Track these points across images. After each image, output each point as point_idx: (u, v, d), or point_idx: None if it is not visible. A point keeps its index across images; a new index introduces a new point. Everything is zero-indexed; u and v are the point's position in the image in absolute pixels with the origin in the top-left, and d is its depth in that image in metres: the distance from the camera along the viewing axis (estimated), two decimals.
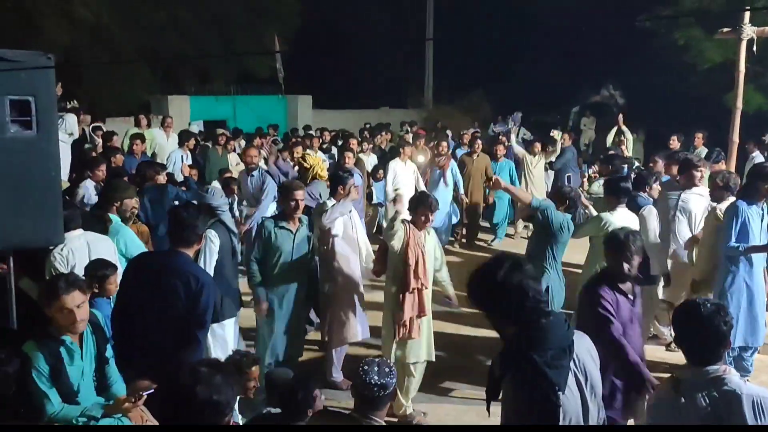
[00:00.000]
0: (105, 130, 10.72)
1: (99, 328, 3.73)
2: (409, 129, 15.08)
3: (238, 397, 2.24)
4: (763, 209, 5.26)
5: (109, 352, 3.78)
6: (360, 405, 3.04)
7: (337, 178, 5.77)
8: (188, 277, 3.81)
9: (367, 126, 15.83)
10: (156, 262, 4.17)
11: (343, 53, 21.80)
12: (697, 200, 5.98)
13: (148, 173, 6.92)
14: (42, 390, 3.34)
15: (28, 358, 3.31)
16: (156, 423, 3.44)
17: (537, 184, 10.38)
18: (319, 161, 7.59)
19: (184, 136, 10.72)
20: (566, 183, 9.47)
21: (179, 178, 8.67)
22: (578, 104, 22.88)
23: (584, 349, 2.61)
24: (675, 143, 10.44)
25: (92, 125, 10.51)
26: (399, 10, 22.84)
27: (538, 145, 10.70)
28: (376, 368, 3.04)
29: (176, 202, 6.70)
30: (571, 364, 2.50)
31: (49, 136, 4.20)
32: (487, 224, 10.71)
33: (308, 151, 9.61)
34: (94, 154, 8.76)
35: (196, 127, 14.08)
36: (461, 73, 23.06)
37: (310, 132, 13.66)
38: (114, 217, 5.35)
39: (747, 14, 7.09)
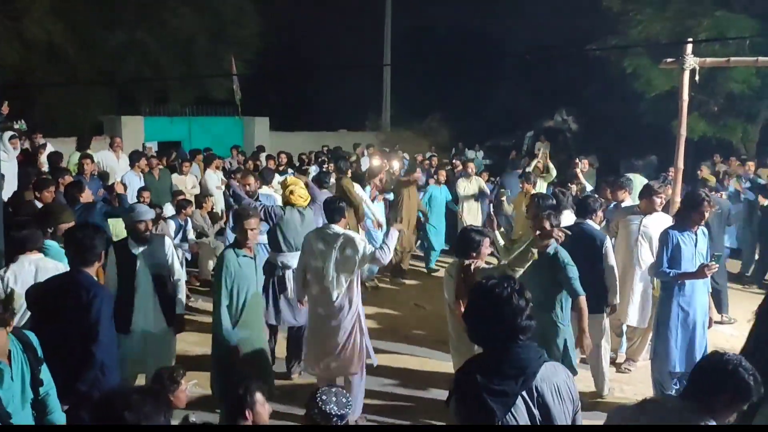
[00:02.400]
0: (50, 150, 10.42)
1: (32, 349, 3.60)
2: (365, 152, 15.11)
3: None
4: (696, 235, 5.36)
5: (46, 378, 3.65)
6: None
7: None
8: (80, 291, 3.84)
9: (325, 149, 15.83)
10: (53, 284, 4.06)
11: (302, 76, 21.87)
12: (658, 225, 6.09)
13: (72, 193, 6.80)
14: None
15: None
16: None
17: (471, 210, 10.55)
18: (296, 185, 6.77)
19: (134, 157, 10.51)
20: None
21: (132, 200, 8.49)
22: (533, 129, 23.38)
23: (552, 382, 2.44)
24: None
25: (51, 152, 10.22)
26: (358, 34, 23.04)
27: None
28: (334, 398, 3.00)
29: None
30: (525, 394, 2.38)
31: None
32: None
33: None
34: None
35: (151, 149, 13.81)
36: (419, 97, 23.38)
37: (268, 154, 13.57)
38: (51, 243, 5.15)
39: (689, 46, 7.35)
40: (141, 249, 5.23)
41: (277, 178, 9.72)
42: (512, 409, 2.36)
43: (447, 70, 23.58)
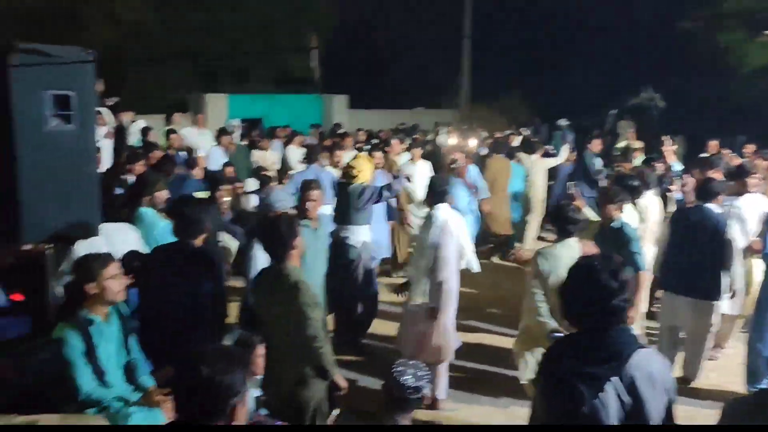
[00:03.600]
0: (140, 126, 10.92)
1: (123, 317, 3.83)
2: (441, 131, 15.01)
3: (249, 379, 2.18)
4: None
5: (134, 346, 3.85)
6: (388, 405, 3.03)
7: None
8: (199, 264, 4.01)
9: (402, 126, 15.81)
10: (171, 254, 4.26)
11: (380, 52, 21.85)
12: (752, 206, 5.83)
13: (163, 167, 7.06)
14: (77, 369, 3.43)
15: (62, 341, 3.39)
16: None
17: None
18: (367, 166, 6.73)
19: (220, 134, 10.84)
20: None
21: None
22: (617, 107, 22.52)
23: (646, 370, 2.33)
24: (713, 148, 10.21)
25: (143, 127, 10.69)
26: (437, 9, 22.76)
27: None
28: (411, 370, 3.02)
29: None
30: (615, 380, 2.30)
31: (88, 130, 4.31)
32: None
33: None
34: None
35: (236, 124, 14.18)
36: (498, 75, 22.88)
37: (344, 131, 13.67)
38: (148, 210, 5.43)
39: None
40: None
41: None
42: (600, 395, 2.30)
43: (528, 45, 22.99)
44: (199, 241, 4.15)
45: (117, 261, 3.67)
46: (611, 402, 2.30)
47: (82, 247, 4.64)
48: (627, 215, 5.50)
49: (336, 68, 20.46)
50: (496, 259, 9.92)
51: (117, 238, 4.80)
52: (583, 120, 22.59)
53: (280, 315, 3.83)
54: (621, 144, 12.18)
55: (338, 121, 16.47)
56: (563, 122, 15.10)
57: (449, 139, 10.58)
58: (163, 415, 3.50)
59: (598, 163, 10.53)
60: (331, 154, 9.07)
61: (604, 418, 2.29)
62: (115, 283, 3.59)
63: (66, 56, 4.10)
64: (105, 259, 3.58)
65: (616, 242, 5.02)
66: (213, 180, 7.19)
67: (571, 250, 4.56)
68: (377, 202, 6.31)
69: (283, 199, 5.53)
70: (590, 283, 2.40)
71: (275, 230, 3.82)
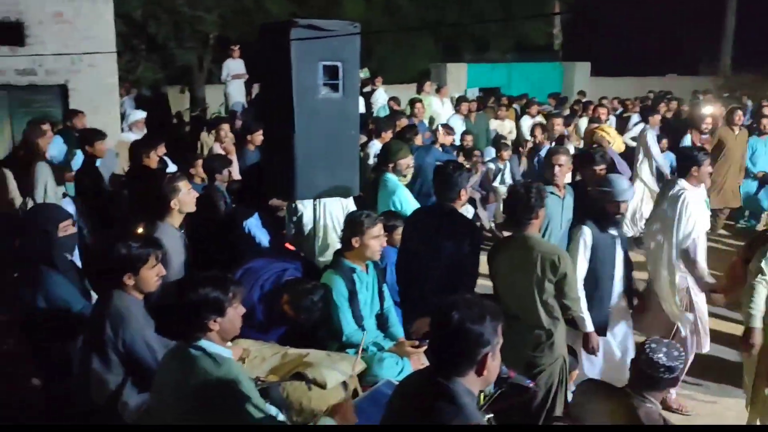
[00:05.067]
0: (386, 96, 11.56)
1: (379, 270, 4.14)
2: (701, 98, 13.67)
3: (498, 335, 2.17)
4: None
5: (387, 298, 4.17)
6: (637, 382, 2.93)
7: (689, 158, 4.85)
8: (456, 230, 4.14)
9: (651, 94, 14.71)
10: (429, 218, 4.48)
11: (627, 15, 20.38)
12: None
13: (406, 135, 7.35)
14: (341, 311, 3.82)
15: (328, 287, 3.78)
16: None
17: None
18: (617, 135, 6.37)
19: (459, 102, 11.06)
20: None
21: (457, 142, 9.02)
22: None
23: None
24: None
25: (390, 97, 11.35)
26: None
27: None
28: (664, 348, 2.89)
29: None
30: None
31: (352, 98, 4.68)
32: None
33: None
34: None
35: (472, 95, 14.39)
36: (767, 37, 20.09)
37: (588, 100, 13.08)
38: (391, 176, 5.75)
39: None
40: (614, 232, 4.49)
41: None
42: None
43: None
44: (457, 205, 4.28)
45: (382, 223, 3.97)
46: None
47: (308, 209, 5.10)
48: None
49: (578, 34, 19.58)
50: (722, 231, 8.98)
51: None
52: None
53: (520, 281, 3.88)
54: None
55: (579, 89, 15.83)
56: None
57: (707, 108, 9.60)
58: (412, 364, 3.75)
59: None
60: (570, 124, 8.83)
61: None
62: (376, 243, 3.92)
63: (337, 29, 4.47)
64: (373, 219, 3.90)
65: None
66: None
67: None
68: None
69: None
70: None
71: (523, 198, 3.84)
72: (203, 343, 2.54)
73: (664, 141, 9.10)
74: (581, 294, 4.18)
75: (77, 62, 7.69)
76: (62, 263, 3.54)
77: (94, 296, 3.68)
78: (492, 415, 2.74)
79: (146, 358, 3.05)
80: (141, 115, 8.24)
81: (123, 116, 8.49)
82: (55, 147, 6.65)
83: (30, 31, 7.43)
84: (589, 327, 4.24)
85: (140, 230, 4.00)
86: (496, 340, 2.14)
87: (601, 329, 4.38)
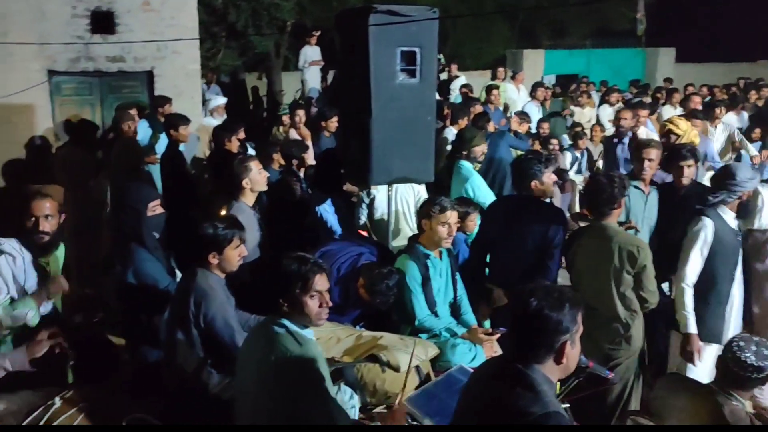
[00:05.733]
0: (462, 82, 11.46)
1: (453, 256, 4.13)
2: None
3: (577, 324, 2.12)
4: None
5: (460, 286, 4.16)
6: (723, 379, 2.83)
7: None
8: (542, 217, 4.11)
9: (741, 82, 13.99)
10: (513, 205, 4.47)
11: None
12: None
13: (479, 122, 7.28)
14: (414, 296, 3.84)
15: (402, 271, 3.81)
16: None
17: None
18: (689, 128, 6.09)
19: (535, 89, 10.85)
20: None
21: (533, 130, 8.87)
22: None
23: None
24: None
25: (463, 83, 11.26)
26: None
27: None
28: (753, 347, 2.78)
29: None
30: None
31: (429, 84, 4.67)
32: None
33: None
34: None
35: (548, 82, 14.10)
36: None
37: (672, 87, 12.56)
38: (465, 163, 5.72)
39: None
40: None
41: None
42: None
43: None
44: (535, 193, 4.23)
45: (455, 210, 3.96)
46: None
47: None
48: None
49: (662, 18, 18.81)
50: None
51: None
52: None
53: (596, 272, 3.80)
54: None
55: (663, 75, 15.23)
56: None
57: None
58: (485, 352, 3.74)
59: None
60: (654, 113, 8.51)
61: None
62: (444, 229, 3.89)
63: (415, 15, 4.45)
64: (444, 205, 3.89)
65: None
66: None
67: None
68: None
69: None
70: None
71: (605, 187, 3.75)
72: (286, 321, 2.61)
73: (757, 131, 8.66)
74: (688, 292, 3.97)
75: (162, 49, 7.98)
76: (150, 241, 3.71)
77: (178, 275, 3.84)
78: (568, 404, 2.70)
79: (224, 336, 3.16)
80: (221, 100, 8.49)
81: (204, 102, 8.75)
82: (140, 131, 6.94)
83: (120, 19, 7.75)
84: (691, 329, 3.96)
85: (223, 212, 4.15)
86: (576, 328, 2.10)
87: (714, 336, 4.04)
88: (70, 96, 7.79)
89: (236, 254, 3.30)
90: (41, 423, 2.71)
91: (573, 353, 2.13)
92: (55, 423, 2.73)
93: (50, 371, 3.17)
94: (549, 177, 4.31)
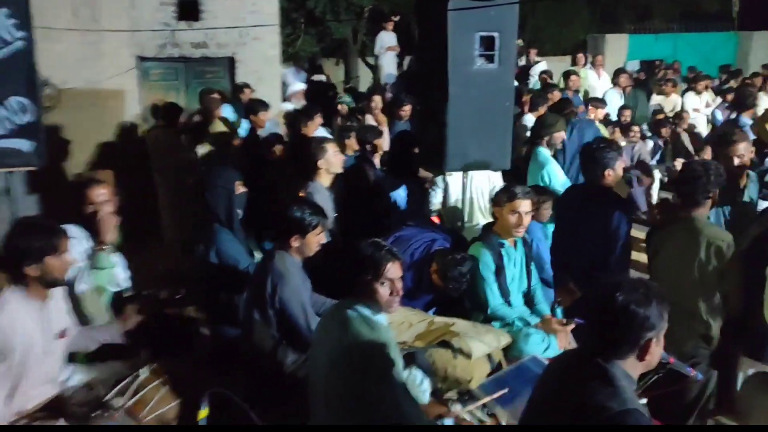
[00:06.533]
0: (542, 68, 11.19)
1: (528, 246, 4.07)
2: None
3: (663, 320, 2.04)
4: None
5: (535, 276, 4.10)
6: None
7: None
8: (608, 207, 4.03)
9: None
10: (581, 194, 4.39)
11: None
12: None
13: (561, 108, 7.09)
14: (487, 284, 3.82)
15: (476, 259, 3.79)
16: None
17: None
18: None
19: (617, 75, 10.49)
20: None
21: (613, 117, 8.59)
22: None
23: None
24: None
25: (542, 70, 11.02)
26: None
27: None
28: None
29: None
30: None
31: (508, 69, 4.61)
32: None
33: None
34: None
35: (631, 68, 13.58)
36: None
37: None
38: (543, 150, 5.60)
39: None
40: None
41: None
42: None
43: None
44: (606, 182, 4.14)
45: (527, 199, 3.89)
46: None
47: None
48: None
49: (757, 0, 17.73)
50: None
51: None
52: None
53: (680, 265, 3.66)
54: None
55: (757, 61, 14.40)
56: None
57: None
58: (559, 343, 3.68)
59: None
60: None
61: None
62: (514, 218, 3.83)
63: None
64: (515, 193, 3.83)
65: None
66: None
67: None
68: None
69: None
70: None
71: (701, 175, 3.61)
72: (359, 306, 2.65)
73: None
74: None
75: (244, 35, 8.15)
76: (237, 222, 3.86)
77: (257, 256, 3.97)
78: (645, 400, 2.63)
79: (297, 318, 3.24)
80: (300, 86, 8.63)
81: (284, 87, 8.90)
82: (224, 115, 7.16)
83: (204, 6, 7.96)
84: None
85: (300, 194, 4.23)
86: (662, 325, 2.04)
87: None
88: (157, 81, 8.08)
89: (316, 241, 3.37)
90: (128, 392, 2.87)
91: (657, 350, 2.07)
92: (140, 393, 2.88)
93: (138, 344, 3.35)
94: (621, 166, 4.22)
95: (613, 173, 4.15)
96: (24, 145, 4.39)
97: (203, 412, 2.26)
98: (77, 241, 3.41)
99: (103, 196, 3.54)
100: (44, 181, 6.68)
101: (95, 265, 3.40)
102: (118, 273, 3.56)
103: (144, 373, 2.96)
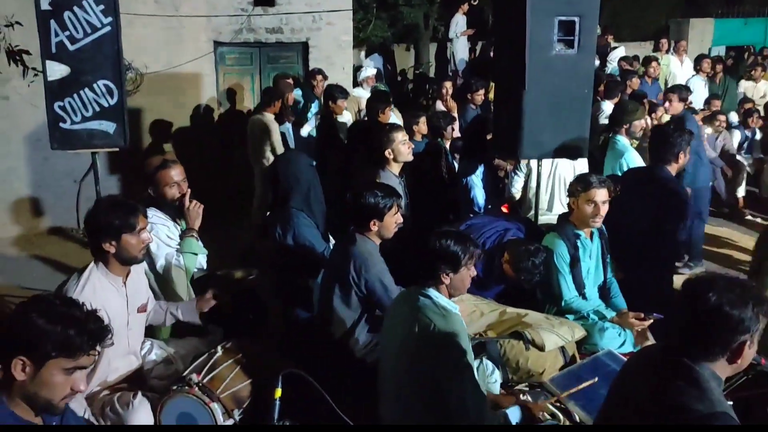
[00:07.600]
0: (620, 54, 10.82)
1: (604, 239, 3.94)
2: None
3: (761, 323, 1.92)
4: None
5: (610, 268, 3.97)
6: None
7: None
8: (661, 186, 4.07)
9: None
10: (640, 175, 4.44)
11: None
12: None
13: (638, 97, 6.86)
14: (562, 276, 3.72)
15: (550, 250, 3.70)
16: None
17: None
18: None
19: (700, 62, 10.01)
20: None
21: (698, 106, 8.21)
22: None
23: None
24: None
25: (621, 56, 10.67)
26: None
27: None
28: None
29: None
30: None
31: (588, 55, 4.44)
32: None
33: None
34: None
35: (717, 53, 12.95)
36: None
37: None
38: (620, 138, 5.40)
39: None
40: None
41: None
42: None
43: None
44: (673, 168, 4.14)
45: (603, 188, 3.75)
46: None
47: None
48: None
49: None
50: None
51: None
52: None
53: None
54: None
55: None
56: None
57: None
58: (635, 338, 3.56)
59: None
60: None
61: None
62: (589, 208, 3.69)
63: None
64: (590, 183, 3.70)
65: None
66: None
67: None
68: None
69: None
70: None
71: None
72: (432, 292, 2.63)
73: None
74: None
75: (317, 21, 8.21)
76: (315, 205, 3.93)
77: (331, 241, 4.00)
78: (732, 402, 2.50)
79: (384, 300, 3.24)
80: (372, 71, 8.62)
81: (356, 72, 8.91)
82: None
83: None
84: None
85: (377, 180, 4.24)
86: (757, 327, 1.90)
87: None
88: (233, 66, 8.23)
89: (393, 221, 3.38)
90: (205, 369, 2.94)
91: (749, 353, 1.94)
92: (216, 370, 2.95)
93: (213, 323, 3.45)
94: (688, 152, 4.27)
95: (685, 157, 4.20)
96: (109, 126, 4.58)
97: (278, 392, 2.30)
98: (162, 222, 3.54)
99: (177, 176, 3.63)
100: (126, 162, 6.95)
101: (185, 249, 3.52)
102: (202, 257, 3.67)
103: (219, 350, 3.03)
